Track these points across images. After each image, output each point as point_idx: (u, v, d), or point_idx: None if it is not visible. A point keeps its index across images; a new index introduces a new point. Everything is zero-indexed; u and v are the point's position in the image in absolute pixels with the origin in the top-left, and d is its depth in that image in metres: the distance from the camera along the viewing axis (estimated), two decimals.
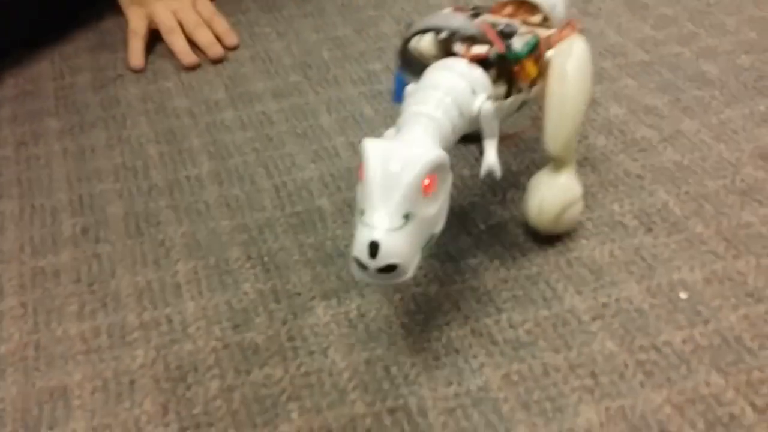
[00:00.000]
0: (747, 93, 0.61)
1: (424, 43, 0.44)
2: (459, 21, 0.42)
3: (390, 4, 0.80)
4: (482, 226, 0.51)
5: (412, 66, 0.43)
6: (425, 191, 0.35)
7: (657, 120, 0.59)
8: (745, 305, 0.44)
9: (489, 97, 0.41)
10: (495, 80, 0.42)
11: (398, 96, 0.43)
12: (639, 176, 0.54)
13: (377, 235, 0.34)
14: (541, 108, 0.46)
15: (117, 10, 0.76)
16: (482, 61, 0.41)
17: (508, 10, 0.48)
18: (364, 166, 0.36)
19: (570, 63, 0.44)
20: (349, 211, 0.53)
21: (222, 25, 0.75)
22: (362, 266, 0.35)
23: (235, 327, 0.46)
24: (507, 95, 0.43)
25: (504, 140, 0.45)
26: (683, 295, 0.45)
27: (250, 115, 0.64)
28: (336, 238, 0.51)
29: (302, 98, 0.66)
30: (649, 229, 0.49)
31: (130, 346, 0.45)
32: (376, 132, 0.61)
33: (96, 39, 0.78)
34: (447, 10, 0.45)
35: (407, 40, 0.44)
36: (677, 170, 0.54)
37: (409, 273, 0.36)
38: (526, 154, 0.56)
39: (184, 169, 0.59)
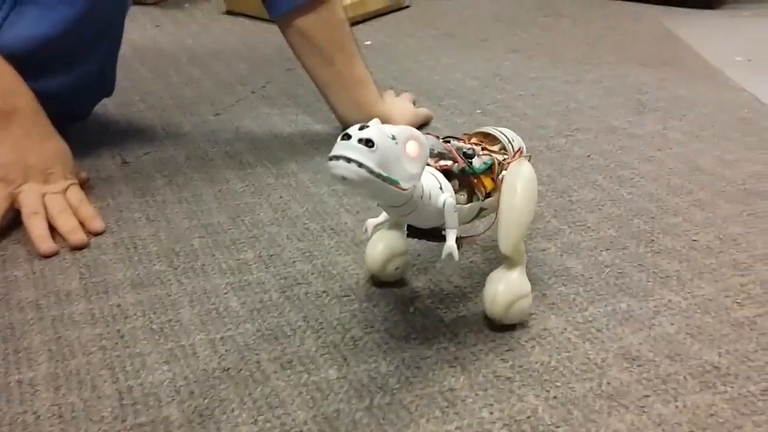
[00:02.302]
0: (609, 290, 0.62)
1: None
2: (432, 142, 0.54)
3: (268, 191, 0.79)
4: None
5: None
6: (411, 154, 0.44)
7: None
8: None
9: (451, 196, 0.51)
10: (458, 189, 0.54)
11: None
12: (508, 378, 0.52)
13: (370, 124, 0.43)
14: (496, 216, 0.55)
15: None
16: (447, 172, 0.53)
17: (475, 139, 0.61)
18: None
19: (519, 181, 0.54)
20: (201, 421, 0.48)
21: (88, 210, 0.72)
22: (346, 138, 0.42)
23: None
24: (468, 202, 0.55)
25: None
26: None
27: (103, 308, 0.60)
28: None
29: (164, 289, 0.62)
30: None
31: None
32: (242, 327, 0.58)
33: None
34: (426, 135, 0.56)
35: None
36: (545, 372, 0.53)
37: (376, 167, 0.42)
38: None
39: (18, 372, 0.52)
